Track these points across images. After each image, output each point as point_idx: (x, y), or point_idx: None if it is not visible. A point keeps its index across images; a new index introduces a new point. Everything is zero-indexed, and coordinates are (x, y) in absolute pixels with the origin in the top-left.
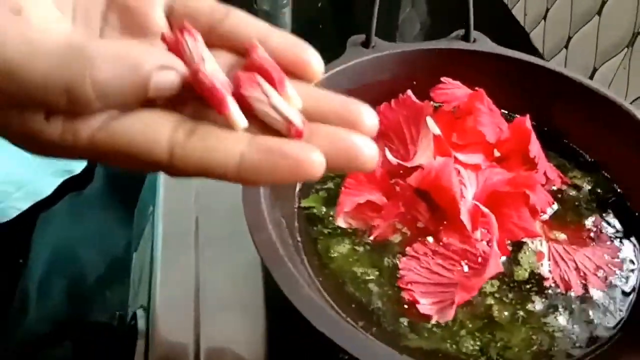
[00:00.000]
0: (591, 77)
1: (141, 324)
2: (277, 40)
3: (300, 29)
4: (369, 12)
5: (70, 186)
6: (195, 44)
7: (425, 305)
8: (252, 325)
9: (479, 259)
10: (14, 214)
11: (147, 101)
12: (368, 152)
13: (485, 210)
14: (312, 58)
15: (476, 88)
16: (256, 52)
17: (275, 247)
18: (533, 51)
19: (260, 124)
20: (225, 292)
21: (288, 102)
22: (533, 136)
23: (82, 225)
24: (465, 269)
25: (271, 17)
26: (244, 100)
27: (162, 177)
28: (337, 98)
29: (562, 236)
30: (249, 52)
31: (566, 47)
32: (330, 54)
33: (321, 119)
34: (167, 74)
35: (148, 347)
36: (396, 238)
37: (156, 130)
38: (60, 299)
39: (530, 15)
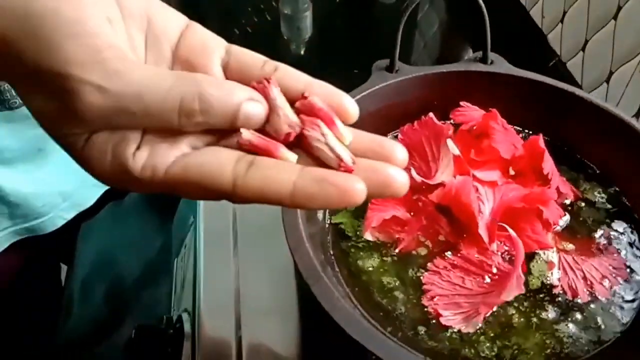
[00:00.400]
0: (607, 81)
1: (187, 327)
2: (319, 89)
3: (320, 31)
4: (391, 25)
5: (110, 196)
6: (277, 92)
7: (449, 318)
8: (287, 326)
9: (494, 269)
10: (60, 223)
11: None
12: (401, 180)
13: (514, 235)
14: (349, 104)
15: (491, 108)
16: (311, 97)
17: (313, 263)
18: (550, 53)
19: (313, 158)
20: (263, 296)
21: (340, 138)
22: (546, 154)
23: (122, 232)
24: (486, 279)
25: (293, 19)
26: (305, 138)
27: None
28: (374, 137)
29: (572, 247)
30: (303, 97)
31: (583, 49)
32: (348, 57)
33: (361, 155)
34: (256, 105)
35: (194, 348)
36: (420, 251)
37: (222, 163)
38: (101, 300)
39: (547, 17)
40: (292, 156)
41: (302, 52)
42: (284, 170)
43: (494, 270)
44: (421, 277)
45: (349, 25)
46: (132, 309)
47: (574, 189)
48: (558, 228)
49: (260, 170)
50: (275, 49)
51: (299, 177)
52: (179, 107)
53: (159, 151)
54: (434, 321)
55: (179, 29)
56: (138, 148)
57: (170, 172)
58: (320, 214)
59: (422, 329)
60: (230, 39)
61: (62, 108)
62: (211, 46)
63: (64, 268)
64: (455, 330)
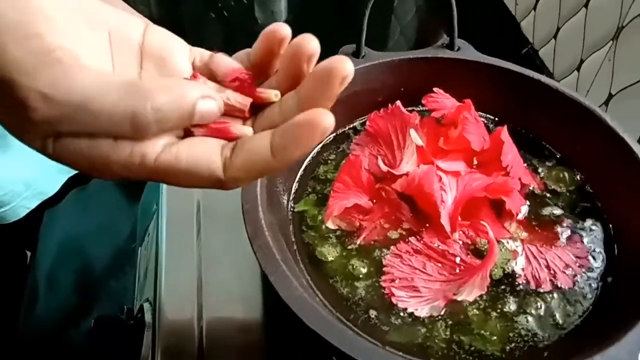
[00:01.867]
0: (578, 69)
1: (148, 316)
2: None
3: (295, 15)
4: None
5: (74, 182)
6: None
7: (403, 299)
8: (251, 316)
9: (457, 260)
10: (23, 212)
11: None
12: (343, 63)
13: (492, 236)
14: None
15: (464, 99)
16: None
17: (272, 252)
18: (523, 40)
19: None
20: (226, 285)
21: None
22: (506, 146)
23: (88, 219)
24: (448, 268)
25: (266, 3)
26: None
27: None
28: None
29: (535, 236)
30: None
31: (555, 37)
32: (325, 42)
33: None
34: (209, 102)
35: (155, 338)
36: (382, 239)
37: (211, 152)
38: (68, 290)
39: (521, 5)
40: (248, 129)
41: None
42: (258, 139)
43: (457, 261)
44: (383, 263)
45: (325, 9)
46: (100, 298)
47: (539, 179)
48: (521, 217)
49: (241, 148)
50: (251, 34)
51: (272, 138)
52: (131, 121)
53: (144, 140)
54: (394, 310)
55: (142, 27)
56: (117, 138)
57: (160, 160)
58: (284, 202)
59: (381, 317)
60: (206, 23)
61: (16, 115)
62: (175, 43)
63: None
64: (414, 318)
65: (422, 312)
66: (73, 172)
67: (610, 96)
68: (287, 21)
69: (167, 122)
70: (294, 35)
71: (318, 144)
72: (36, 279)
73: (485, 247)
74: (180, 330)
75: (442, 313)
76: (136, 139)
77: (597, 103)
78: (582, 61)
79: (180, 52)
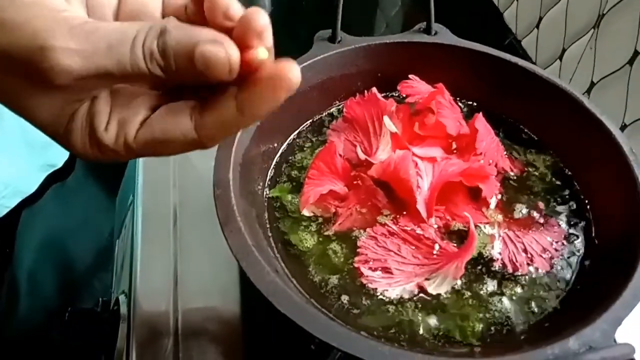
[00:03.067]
0: (560, 58)
1: (123, 308)
2: None
3: (280, 8)
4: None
5: (53, 179)
6: None
7: (374, 279)
8: (228, 307)
9: (435, 246)
10: (3, 212)
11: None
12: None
13: (473, 229)
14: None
15: (437, 83)
16: None
17: (244, 237)
18: (506, 31)
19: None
20: (203, 276)
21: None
22: (481, 134)
23: (67, 215)
24: (424, 253)
25: None
26: None
27: (140, 167)
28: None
29: (513, 220)
30: None
31: (537, 27)
32: (310, 33)
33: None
34: (218, 47)
35: (130, 330)
36: (359, 226)
37: (181, 115)
38: (50, 288)
39: None
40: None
41: None
42: (224, 99)
43: (434, 246)
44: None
45: (311, 3)
46: (83, 296)
47: (515, 164)
48: (497, 201)
49: (209, 108)
50: None
51: (237, 94)
52: (144, 50)
53: (125, 121)
54: (366, 293)
55: None
56: (108, 123)
57: (139, 138)
58: (259, 189)
59: (354, 301)
60: None
61: (38, 87)
62: (152, 4)
63: None
64: (385, 299)
65: (393, 293)
66: (52, 169)
67: (593, 84)
68: (271, 15)
69: (179, 51)
70: (280, 29)
71: (294, 130)
72: (16, 278)
73: (460, 228)
74: (156, 321)
75: (414, 296)
76: (139, 93)
77: (580, 91)
78: (564, 50)
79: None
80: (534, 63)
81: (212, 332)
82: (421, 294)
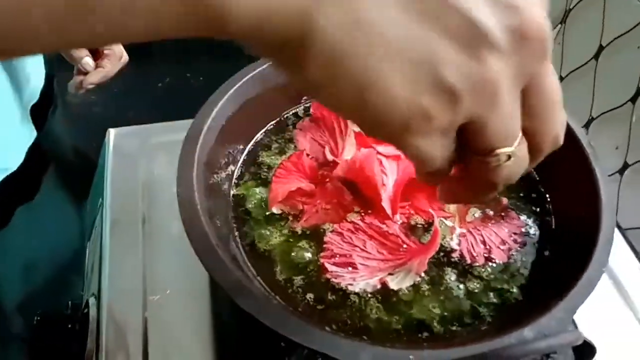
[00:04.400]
0: None
1: (93, 311)
2: None
3: None
4: None
5: (18, 199)
6: None
7: (338, 273)
8: (198, 308)
9: (399, 242)
10: None
11: None
12: None
13: (437, 226)
14: None
15: None
16: None
17: (206, 236)
18: None
19: None
20: (172, 277)
21: None
22: None
23: (40, 236)
24: (388, 249)
25: None
26: None
27: (109, 170)
28: None
29: (474, 213)
30: None
31: None
32: None
33: None
34: None
35: (99, 332)
36: (325, 222)
37: None
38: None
39: None
40: None
41: None
42: None
43: (399, 242)
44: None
45: None
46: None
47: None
48: None
49: None
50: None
51: None
52: None
53: None
54: (331, 289)
55: None
56: None
57: None
58: (225, 188)
59: (320, 297)
60: None
61: None
62: None
63: None
64: (348, 294)
65: (356, 287)
66: (5, 173)
67: (561, 79)
68: None
69: None
70: None
71: (261, 129)
72: None
73: (420, 223)
74: (125, 323)
75: (377, 290)
76: None
77: None
78: None
79: None
80: None
81: (181, 333)
82: (383, 288)
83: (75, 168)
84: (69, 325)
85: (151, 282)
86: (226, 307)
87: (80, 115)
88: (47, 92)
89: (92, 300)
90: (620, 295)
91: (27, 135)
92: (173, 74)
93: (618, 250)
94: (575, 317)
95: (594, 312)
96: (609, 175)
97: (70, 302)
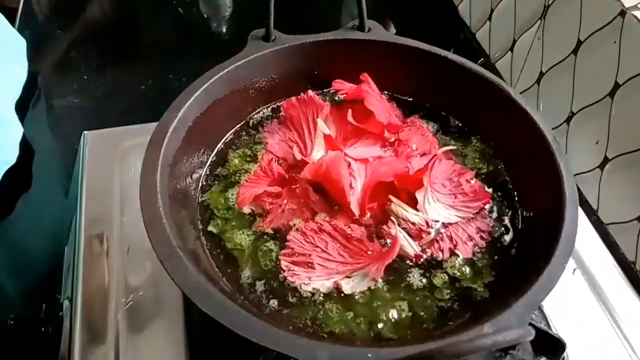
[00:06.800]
0: (512, 49)
1: (67, 313)
2: None
3: (240, 8)
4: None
5: (19, 190)
6: None
7: (295, 272)
8: (172, 309)
9: (361, 245)
10: None
11: None
12: None
13: (398, 234)
14: None
15: (363, 73)
16: None
17: (168, 237)
18: (461, 24)
19: None
20: (146, 279)
21: None
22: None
23: (38, 221)
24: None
25: None
26: None
27: (85, 172)
28: None
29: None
30: None
31: (490, 19)
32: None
33: None
34: None
35: (72, 334)
36: (291, 223)
37: None
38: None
39: None
40: None
41: (224, 30)
42: None
43: (361, 246)
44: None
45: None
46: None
47: (436, 142)
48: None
49: None
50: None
51: None
52: None
53: None
54: (291, 288)
55: None
56: None
57: None
58: (191, 190)
59: (279, 295)
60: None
61: None
62: None
63: None
64: (305, 293)
65: (309, 287)
66: (7, 166)
67: (542, 74)
68: (232, 14)
69: None
70: (239, 28)
71: (229, 131)
72: None
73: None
74: (98, 326)
75: (332, 292)
76: None
77: (530, 82)
78: (514, 42)
79: None
80: (488, 55)
81: (154, 334)
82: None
83: (58, 162)
84: (42, 329)
85: (124, 285)
86: (197, 309)
87: (61, 116)
88: (31, 87)
89: (66, 303)
90: (593, 292)
91: (19, 128)
92: (156, 76)
93: (592, 247)
94: (548, 313)
95: (567, 308)
96: (590, 171)
97: (44, 305)
